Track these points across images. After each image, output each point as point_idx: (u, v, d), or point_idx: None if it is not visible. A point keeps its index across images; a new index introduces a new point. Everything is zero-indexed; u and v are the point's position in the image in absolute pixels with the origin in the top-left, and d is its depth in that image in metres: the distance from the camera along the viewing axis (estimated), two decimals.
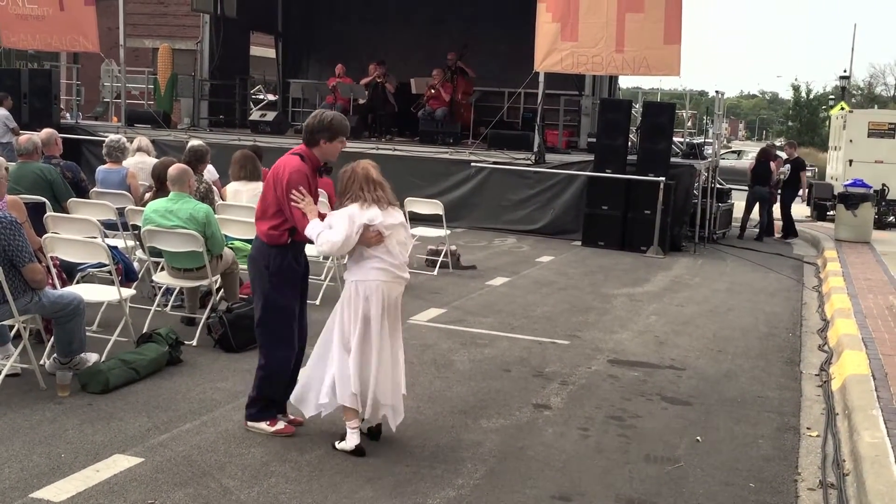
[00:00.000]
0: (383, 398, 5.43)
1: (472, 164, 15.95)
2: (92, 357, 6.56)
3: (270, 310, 5.61)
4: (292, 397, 5.63)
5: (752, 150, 33.51)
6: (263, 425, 5.67)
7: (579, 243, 14.96)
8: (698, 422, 6.43)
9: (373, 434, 5.62)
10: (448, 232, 11.98)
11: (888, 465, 5.26)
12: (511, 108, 18.22)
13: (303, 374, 5.66)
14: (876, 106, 59.49)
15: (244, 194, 9.42)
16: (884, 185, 20.38)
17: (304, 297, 5.82)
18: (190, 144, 9.45)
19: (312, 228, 5.36)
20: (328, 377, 5.44)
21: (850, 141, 21.88)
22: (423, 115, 18.13)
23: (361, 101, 18.79)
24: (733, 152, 35.98)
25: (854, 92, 61.16)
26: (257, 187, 9.52)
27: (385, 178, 5.63)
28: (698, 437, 6.08)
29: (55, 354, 6.45)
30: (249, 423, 5.70)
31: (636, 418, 6.41)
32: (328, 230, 5.32)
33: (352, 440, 5.42)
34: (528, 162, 15.78)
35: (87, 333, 6.71)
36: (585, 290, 11.16)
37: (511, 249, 14.15)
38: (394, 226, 5.42)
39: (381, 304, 5.37)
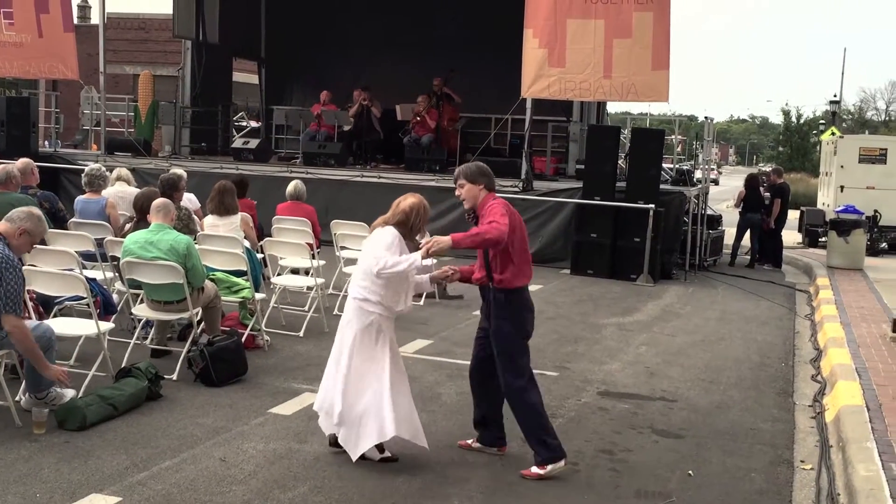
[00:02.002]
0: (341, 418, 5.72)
1: None
2: (69, 393, 6.51)
3: None
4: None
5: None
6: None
7: (568, 272, 14.98)
8: (690, 455, 6.42)
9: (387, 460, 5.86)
10: (434, 261, 11.92)
11: (883, 500, 5.25)
12: (498, 134, 18.30)
13: None
14: (867, 131, 60.00)
15: (221, 228, 9.37)
16: (876, 211, 20.50)
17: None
18: (161, 176, 9.45)
19: None
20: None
21: (842, 167, 22.04)
22: (408, 142, 18.15)
23: (346, 128, 18.83)
24: None
25: (845, 116, 61.72)
26: (234, 220, 9.47)
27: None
28: (690, 472, 6.07)
29: (30, 390, 6.40)
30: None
31: (627, 452, 6.39)
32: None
33: None
34: (516, 189, 15.81)
35: (66, 369, 6.66)
36: (574, 320, 11.16)
37: None
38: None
39: (344, 322, 5.84)
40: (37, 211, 6.58)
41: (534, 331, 5.96)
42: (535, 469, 5.76)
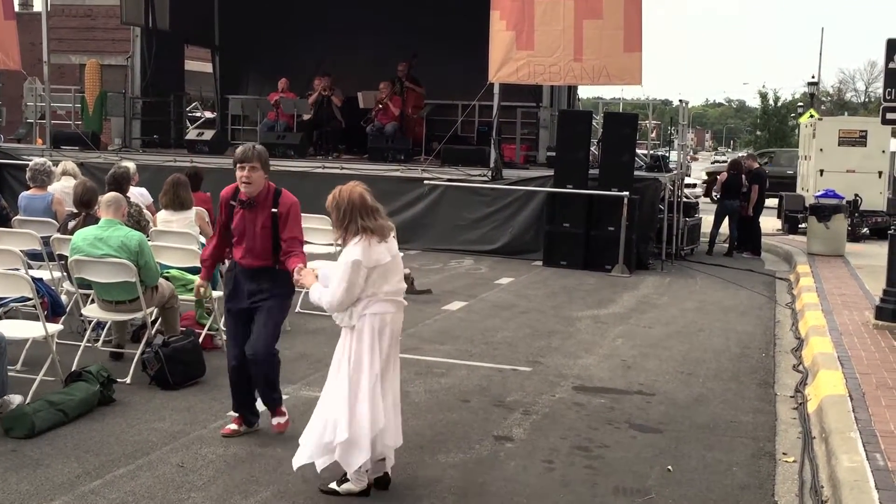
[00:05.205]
0: (390, 439, 5.40)
1: (425, 181, 15.96)
2: (16, 399, 6.43)
3: None
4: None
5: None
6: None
7: (540, 263, 15.01)
8: (669, 450, 6.46)
9: (380, 483, 5.48)
10: (401, 254, 11.94)
11: (868, 491, 5.31)
12: (465, 121, 18.28)
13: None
14: (846, 113, 60.64)
15: (175, 224, 9.30)
16: (856, 195, 20.68)
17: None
18: (111, 171, 9.36)
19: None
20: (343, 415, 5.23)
21: (821, 150, 22.20)
22: (371, 131, 18.11)
23: (306, 117, 18.75)
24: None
25: (823, 98, 62.34)
26: (189, 215, 9.40)
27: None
28: (669, 467, 6.10)
29: None
30: None
31: (604, 448, 6.42)
32: (325, 290, 5.37)
33: (359, 483, 5.34)
34: (485, 178, 15.82)
35: (11, 373, 6.59)
36: (548, 313, 11.19)
37: (468, 271, 14.16)
38: (396, 255, 5.62)
39: (391, 336, 5.41)
40: None
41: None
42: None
